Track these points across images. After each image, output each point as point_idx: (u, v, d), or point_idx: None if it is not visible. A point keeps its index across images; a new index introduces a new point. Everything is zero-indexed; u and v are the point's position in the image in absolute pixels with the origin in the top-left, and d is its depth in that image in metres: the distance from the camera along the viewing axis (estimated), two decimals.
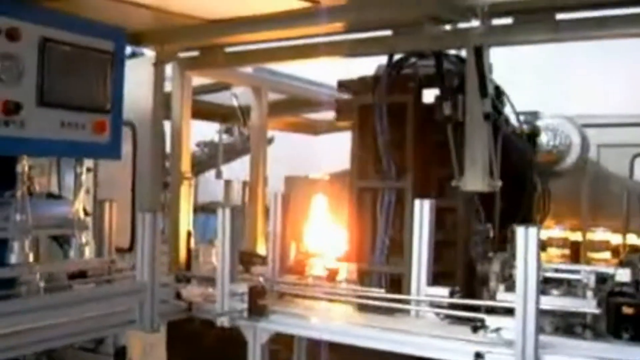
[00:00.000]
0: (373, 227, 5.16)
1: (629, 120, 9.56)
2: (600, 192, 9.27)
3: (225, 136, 11.41)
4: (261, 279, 5.11)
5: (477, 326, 3.89)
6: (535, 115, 7.55)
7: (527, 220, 5.91)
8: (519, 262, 3.72)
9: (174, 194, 6.28)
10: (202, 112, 8.10)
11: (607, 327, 4.62)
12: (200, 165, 12.26)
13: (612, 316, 4.76)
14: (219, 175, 11.34)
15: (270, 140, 12.00)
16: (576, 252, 8.87)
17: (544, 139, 7.58)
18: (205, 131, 11.53)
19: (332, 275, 5.43)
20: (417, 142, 5.06)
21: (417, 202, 4.63)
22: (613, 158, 9.67)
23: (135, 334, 5.38)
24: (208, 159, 12.00)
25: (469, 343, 3.93)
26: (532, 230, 3.71)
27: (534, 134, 6.68)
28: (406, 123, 5.08)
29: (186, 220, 6.33)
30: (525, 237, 3.72)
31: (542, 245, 9.02)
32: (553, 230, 9.26)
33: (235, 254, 4.90)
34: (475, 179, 4.68)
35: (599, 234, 9.21)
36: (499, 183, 4.71)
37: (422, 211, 4.60)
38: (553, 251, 8.62)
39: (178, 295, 5.21)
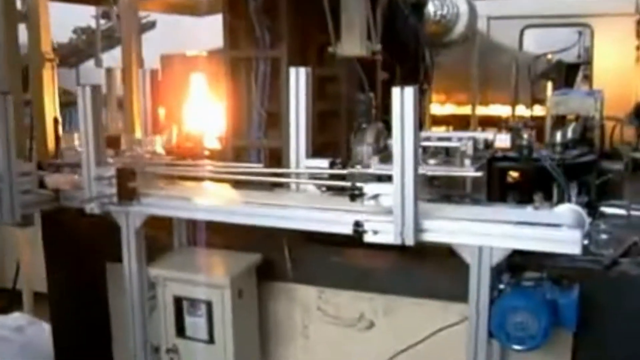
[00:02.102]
0: (249, 100, 4.85)
1: None
2: (489, 64, 9.24)
3: (103, 21, 10.69)
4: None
5: (354, 194, 3.70)
6: None
7: None
8: (395, 124, 3.50)
9: (35, 77, 5.76)
10: None
11: (490, 194, 4.55)
12: (78, 54, 11.54)
13: (496, 181, 4.72)
14: (98, 63, 10.68)
15: (152, 25, 11.36)
16: (466, 127, 8.89)
17: (431, 8, 7.33)
18: (81, 16, 10.81)
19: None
20: (291, 6, 4.69)
21: (292, 70, 4.32)
22: (503, 30, 9.60)
23: (12, 231, 5.02)
24: (86, 46, 11.27)
25: (348, 212, 3.76)
26: (409, 90, 3.48)
27: (420, 2, 6.39)
28: None
29: (52, 106, 5.84)
30: (401, 98, 3.49)
31: (433, 121, 9.07)
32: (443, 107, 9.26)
33: (100, 136, 4.52)
34: (353, 43, 4.40)
35: (490, 108, 9.28)
36: (379, 47, 4.46)
37: (298, 80, 4.31)
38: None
39: (42, 185, 4.82)
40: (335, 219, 3.79)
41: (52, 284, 5.52)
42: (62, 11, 7.74)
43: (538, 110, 8.62)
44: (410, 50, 5.90)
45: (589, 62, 8.52)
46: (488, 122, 9.18)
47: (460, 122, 9.01)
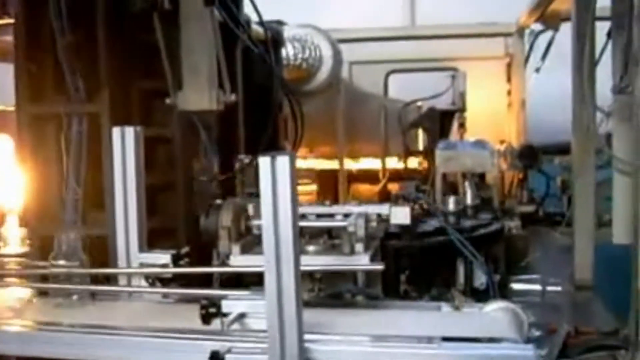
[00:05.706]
0: (60, 172, 3.55)
1: (382, 34, 8.69)
2: (356, 114, 8.41)
3: None
4: None
5: (209, 313, 2.50)
6: (280, 23, 6.25)
7: (275, 148, 4.65)
8: (264, 207, 2.35)
9: None
10: None
11: (387, 286, 3.51)
12: None
13: (393, 266, 3.68)
14: None
15: None
16: (334, 184, 7.95)
17: (290, 51, 6.32)
18: None
19: None
20: (112, 43, 3.47)
21: (115, 130, 3.11)
22: (366, 76, 8.82)
23: None
24: None
25: (200, 340, 2.55)
26: (283, 159, 2.35)
27: (276, 41, 5.29)
28: (96, 15, 3.46)
29: None
30: (272, 171, 2.35)
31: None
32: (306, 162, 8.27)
33: None
34: (200, 93, 3.25)
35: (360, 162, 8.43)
36: (233, 97, 3.32)
37: (125, 144, 3.10)
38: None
39: None
40: (184, 347, 2.58)
41: None
42: None
43: (412, 163, 7.80)
44: (269, 99, 4.79)
45: (463, 109, 7.78)
46: (359, 178, 8.35)
47: (328, 179, 8.04)
